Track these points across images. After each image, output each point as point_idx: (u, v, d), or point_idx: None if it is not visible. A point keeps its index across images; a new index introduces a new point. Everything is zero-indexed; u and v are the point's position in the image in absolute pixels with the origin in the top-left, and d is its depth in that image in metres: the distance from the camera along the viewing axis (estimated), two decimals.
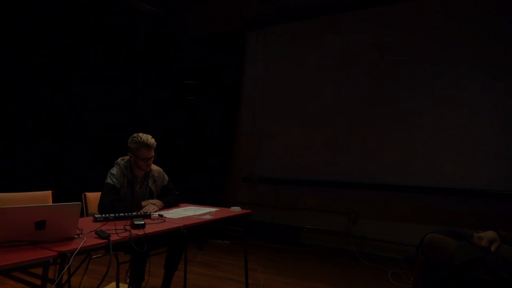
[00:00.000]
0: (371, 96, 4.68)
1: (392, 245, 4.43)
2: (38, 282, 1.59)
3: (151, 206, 2.67)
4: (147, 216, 2.39)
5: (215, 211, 2.79)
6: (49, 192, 2.74)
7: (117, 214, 2.28)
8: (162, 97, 5.77)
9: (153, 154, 2.70)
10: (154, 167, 2.90)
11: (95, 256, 2.63)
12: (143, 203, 2.68)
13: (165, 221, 2.35)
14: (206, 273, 3.72)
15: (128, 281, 2.56)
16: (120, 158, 2.78)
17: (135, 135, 2.69)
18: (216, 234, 5.08)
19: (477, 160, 4.06)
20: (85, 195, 2.75)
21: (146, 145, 2.64)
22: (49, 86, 4.47)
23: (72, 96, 4.72)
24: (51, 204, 2.57)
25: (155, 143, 2.70)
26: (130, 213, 2.34)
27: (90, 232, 1.89)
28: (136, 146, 2.64)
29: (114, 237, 1.84)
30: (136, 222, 2.08)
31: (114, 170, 2.66)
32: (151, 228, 2.11)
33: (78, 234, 1.82)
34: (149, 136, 2.70)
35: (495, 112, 4.02)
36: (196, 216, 2.55)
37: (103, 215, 2.25)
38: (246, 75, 5.70)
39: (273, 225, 5.24)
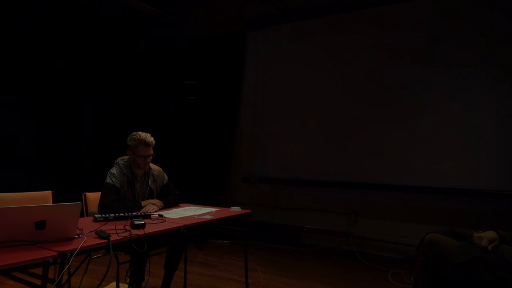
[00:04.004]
0: (371, 96, 4.68)
1: (392, 245, 4.43)
2: (38, 282, 1.59)
3: (151, 206, 2.67)
4: (147, 216, 2.39)
5: (215, 211, 2.79)
6: (49, 192, 2.74)
7: (117, 214, 2.28)
8: (162, 97, 5.77)
9: (152, 152, 2.71)
10: (154, 166, 2.90)
11: (95, 256, 2.63)
12: (143, 203, 2.68)
13: (165, 221, 2.35)
14: (206, 273, 3.72)
15: (128, 281, 2.56)
16: (119, 158, 2.79)
17: (134, 133, 2.71)
18: (216, 234, 5.08)
19: (477, 160, 4.06)
20: (85, 195, 2.75)
21: (145, 143, 2.65)
22: (49, 86, 4.47)
23: (72, 96, 4.72)
24: (51, 204, 2.57)
25: (153, 141, 2.72)
26: (130, 213, 2.34)
27: (90, 232, 1.89)
28: (134, 143, 2.65)
29: (114, 237, 1.84)
30: (136, 222, 2.08)
31: (113, 170, 2.66)
32: (151, 228, 2.11)
33: (78, 234, 1.82)
34: (148, 135, 2.71)
35: (495, 112, 4.02)
36: (196, 216, 2.55)
37: (103, 215, 2.25)
38: (246, 75, 5.70)
39: (273, 225, 5.24)
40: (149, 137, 2.69)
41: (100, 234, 1.83)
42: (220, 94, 5.66)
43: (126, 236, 1.89)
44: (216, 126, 5.67)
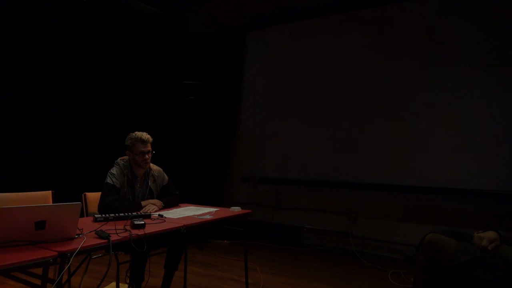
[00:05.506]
0: (371, 96, 4.68)
1: (392, 245, 4.43)
2: (38, 282, 1.59)
3: (151, 206, 2.68)
4: (147, 216, 2.39)
5: (215, 211, 2.79)
6: (49, 192, 2.74)
7: (117, 214, 2.28)
8: (162, 97, 5.77)
9: (150, 149, 2.73)
10: (154, 166, 2.90)
11: (95, 256, 2.64)
12: (143, 203, 2.69)
13: (165, 221, 2.35)
14: (206, 273, 3.72)
15: (128, 281, 2.56)
16: (119, 158, 2.79)
17: (130, 133, 2.76)
18: (216, 234, 5.09)
19: (477, 160, 4.06)
20: (85, 195, 2.75)
21: (141, 140, 2.69)
22: (49, 86, 4.47)
23: (72, 96, 4.72)
24: (51, 204, 2.57)
25: (150, 138, 2.75)
26: (130, 213, 2.34)
27: (90, 232, 1.89)
28: (132, 142, 2.69)
29: (114, 237, 1.84)
30: (136, 222, 2.08)
31: (114, 170, 2.67)
32: (151, 228, 2.11)
33: (78, 234, 1.82)
34: (145, 133, 2.75)
35: (495, 112, 4.01)
36: (196, 216, 2.56)
37: (103, 215, 2.25)
38: (246, 75, 5.70)
39: (273, 225, 5.24)
40: (145, 135, 2.73)
41: (100, 234, 1.83)
42: (220, 94, 5.66)
43: (126, 236, 1.89)
44: (216, 126, 5.67)
